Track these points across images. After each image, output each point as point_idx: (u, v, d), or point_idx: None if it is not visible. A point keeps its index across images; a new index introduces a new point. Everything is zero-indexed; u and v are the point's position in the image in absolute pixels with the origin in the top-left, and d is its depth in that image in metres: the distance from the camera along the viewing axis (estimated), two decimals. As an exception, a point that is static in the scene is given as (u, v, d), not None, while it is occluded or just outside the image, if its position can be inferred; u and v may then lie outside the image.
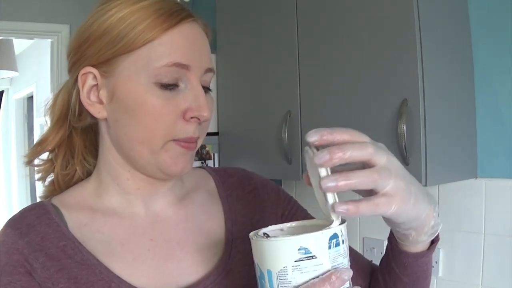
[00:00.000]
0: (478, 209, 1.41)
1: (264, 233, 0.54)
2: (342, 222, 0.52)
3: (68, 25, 2.60)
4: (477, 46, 1.42)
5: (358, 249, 1.74)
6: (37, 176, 0.76)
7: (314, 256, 0.47)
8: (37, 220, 0.66)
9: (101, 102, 0.66)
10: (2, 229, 0.66)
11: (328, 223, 0.51)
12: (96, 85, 0.66)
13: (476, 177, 1.43)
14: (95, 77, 0.66)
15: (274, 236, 0.50)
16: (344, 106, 1.38)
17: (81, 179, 0.75)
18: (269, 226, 0.57)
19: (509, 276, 1.35)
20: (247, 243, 0.54)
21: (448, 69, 1.35)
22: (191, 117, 0.65)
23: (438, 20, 1.30)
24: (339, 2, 1.40)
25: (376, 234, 1.69)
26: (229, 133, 1.81)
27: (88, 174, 0.75)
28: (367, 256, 1.71)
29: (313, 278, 0.47)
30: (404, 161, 1.21)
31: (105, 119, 0.68)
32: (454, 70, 1.38)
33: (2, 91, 3.92)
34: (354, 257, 0.81)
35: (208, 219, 0.76)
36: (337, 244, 0.49)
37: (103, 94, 0.66)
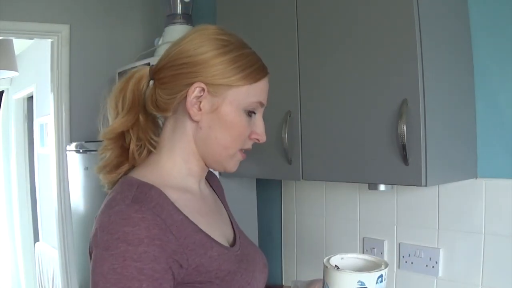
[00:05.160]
0: (478, 209, 1.41)
1: (336, 265, 0.81)
2: (386, 266, 0.79)
3: (68, 25, 2.60)
4: (477, 46, 1.42)
5: (358, 249, 1.74)
6: (103, 151, 0.93)
7: (366, 287, 0.75)
8: (161, 199, 0.83)
9: (199, 109, 0.88)
10: (134, 207, 0.78)
11: (376, 261, 0.83)
12: (200, 96, 0.88)
13: (476, 177, 1.43)
14: (202, 91, 0.87)
15: (343, 269, 0.79)
16: (344, 106, 1.38)
17: (147, 153, 0.93)
18: (333, 257, 0.85)
19: (509, 276, 1.35)
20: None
21: (448, 69, 1.35)
22: (254, 138, 0.95)
23: (438, 20, 1.30)
24: (339, 2, 1.40)
25: (376, 234, 1.69)
26: (229, 133, 1.81)
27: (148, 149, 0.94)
28: (367, 256, 1.71)
29: None
30: (404, 161, 1.21)
31: (196, 122, 0.89)
32: (454, 70, 1.38)
33: (2, 91, 3.91)
34: None
35: (217, 198, 1.07)
36: (381, 281, 0.77)
37: (205, 105, 0.88)
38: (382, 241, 1.66)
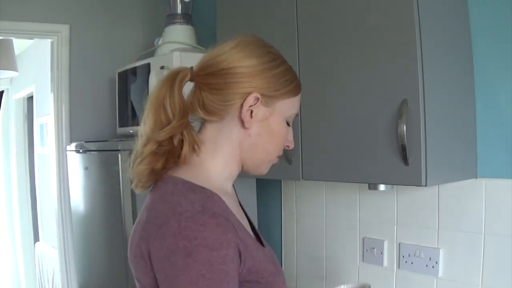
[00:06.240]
0: (478, 209, 1.41)
1: None
2: (369, 287, 1.08)
3: (68, 25, 2.60)
4: (477, 46, 1.42)
5: (358, 249, 1.74)
6: (148, 153, 0.92)
7: None
8: (223, 205, 0.89)
9: (251, 117, 0.93)
10: (207, 212, 0.83)
11: (360, 285, 1.22)
12: (252, 105, 0.93)
13: (476, 177, 1.43)
14: (256, 100, 0.92)
15: None
16: (344, 106, 1.38)
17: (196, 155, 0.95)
18: None
19: (509, 276, 1.35)
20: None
21: (448, 69, 1.35)
22: (285, 144, 1.02)
23: (438, 20, 1.30)
24: (339, 2, 1.40)
25: (376, 234, 1.69)
26: (229, 133, 1.81)
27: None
28: (367, 256, 1.71)
29: None
30: (404, 161, 1.21)
31: (245, 128, 0.94)
32: (454, 70, 1.38)
33: (2, 91, 3.91)
34: None
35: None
36: None
37: (257, 114, 0.94)
38: (382, 241, 1.66)
